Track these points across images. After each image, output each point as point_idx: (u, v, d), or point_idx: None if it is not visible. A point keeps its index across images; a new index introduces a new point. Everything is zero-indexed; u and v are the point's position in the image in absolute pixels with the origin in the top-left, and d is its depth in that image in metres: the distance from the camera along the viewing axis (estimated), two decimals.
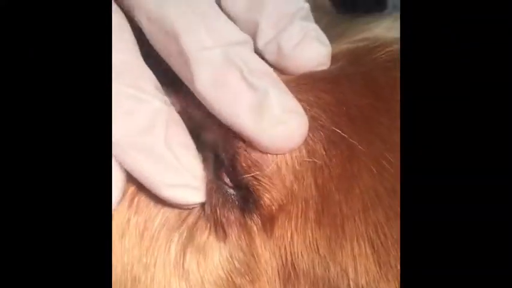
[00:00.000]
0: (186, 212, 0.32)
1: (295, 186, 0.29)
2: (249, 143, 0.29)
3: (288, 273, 0.29)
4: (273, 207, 0.29)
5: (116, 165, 0.30)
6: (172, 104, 0.32)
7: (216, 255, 0.31)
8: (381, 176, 0.28)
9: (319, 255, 0.28)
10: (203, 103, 0.30)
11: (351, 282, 0.28)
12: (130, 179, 0.31)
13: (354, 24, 0.35)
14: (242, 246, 0.30)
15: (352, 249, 0.28)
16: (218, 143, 0.31)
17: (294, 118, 0.29)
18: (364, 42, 0.32)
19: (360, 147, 0.28)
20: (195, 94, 0.30)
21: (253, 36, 0.31)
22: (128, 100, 0.30)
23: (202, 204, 0.31)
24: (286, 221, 0.29)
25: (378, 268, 0.28)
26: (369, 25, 0.35)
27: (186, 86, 0.30)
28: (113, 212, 0.31)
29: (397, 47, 0.31)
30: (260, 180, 0.29)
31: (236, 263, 0.30)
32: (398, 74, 0.28)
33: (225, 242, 0.30)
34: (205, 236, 0.31)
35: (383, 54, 0.31)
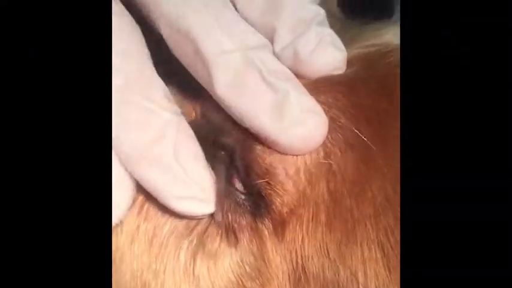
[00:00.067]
0: (195, 221, 0.32)
1: (308, 191, 0.29)
2: (268, 145, 0.29)
3: (299, 277, 0.29)
4: (285, 212, 0.29)
5: (127, 173, 0.30)
6: (193, 109, 0.32)
7: (226, 260, 0.31)
8: (393, 180, 0.28)
9: (329, 259, 0.28)
10: (222, 106, 0.30)
11: (361, 287, 0.28)
12: (140, 188, 0.31)
13: (363, 31, 0.35)
14: (253, 250, 0.30)
15: (362, 254, 0.28)
16: (236, 147, 0.31)
17: (313, 118, 0.29)
18: (376, 48, 0.33)
19: (376, 149, 0.28)
20: (214, 97, 0.30)
21: (270, 41, 0.31)
22: (139, 111, 0.30)
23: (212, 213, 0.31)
24: (298, 225, 0.29)
25: (387, 272, 0.28)
26: (378, 31, 0.35)
27: (205, 90, 0.30)
28: (123, 219, 0.31)
29: None
30: (273, 186, 0.29)
31: (247, 267, 0.30)
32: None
33: (236, 247, 0.31)
34: (216, 243, 0.31)
35: (395, 59, 0.31)
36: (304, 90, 0.29)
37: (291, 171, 0.29)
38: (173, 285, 0.31)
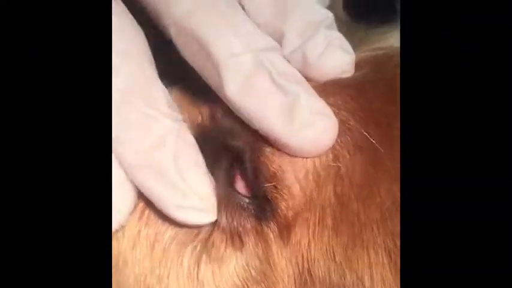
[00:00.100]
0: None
1: (315, 194, 0.29)
2: (277, 147, 0.29)
3: (304, 280, 0.29)
4: (290, 215, 0.29)
5: (128, 178, 0.30)
6: (199, 112, 0.32)
7: (231, 264, 0.30)
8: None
9: (335, 262, 0.28)
10: (232, 108, 0.30)
11: None
12: (141, 194, 0.31)
13: (368, 34, 0.36)
14: (259, 253, 0.30)
15: (369, 258, 0.28)
16: (245, 149, 0.31)
17: (323, 120, 0.29)
18: (383, 51, 0.33)
19: (384, 152, 0.28)
20: (224, 100, 0.30)
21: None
22: (140, 117, 0.30)
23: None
24: (304, 228, 0.29)
25: (394, 277, 0.28)
26: (384, 35, 0.35)
27: (213, 93, 0.30)
28: (124, 224, 0.31)
29: None
30: (280, 190, 0.29)
31: (252, 271, 0.30)
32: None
33: (241, 251, 0.30)
34: (222, 248, 0.31)
35: None
36: (314, 92, 0.29)
37: (300, 174, 0.29)
38: None
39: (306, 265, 0.29)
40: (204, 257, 0.31)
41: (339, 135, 0.29)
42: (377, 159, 0.29)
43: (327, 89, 0.30)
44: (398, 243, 0.27)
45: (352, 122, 0.29)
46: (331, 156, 0.29)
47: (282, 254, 0.30)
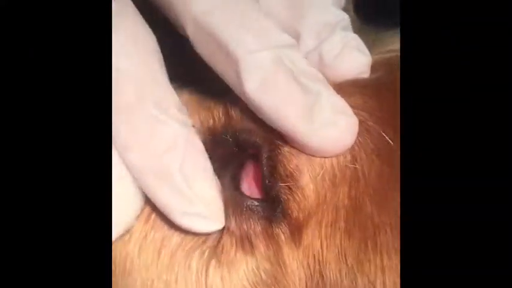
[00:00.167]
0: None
1: (328, 195, 0.29)
2: (296, 146, 0.29)
3: (316, 283, 0.29)
4: (302, 216, 0.29)
5: (135, 182, 0.30)
6: (211, 115, 0.32)
7: (241, 268, 0.30)
8: None
9: (347, 265, 0.28)
10: (250, 106, 0.30)
11: None
12: (148, 198, 0.31)
13: (379, 37, 0.36)
14: (269, 256, 0.30)
15: (382, 261, 0.28)
16: (262, 148, 0.30)
17: (344, 119, 0.29)
18: (396, 53, 0.33)
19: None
20: (243, 98, 0.30)
21: None
22: (149, 121, 0.30)
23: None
24: (316, 230, 0.29)
25: None
26: (396, 37, 0.35)
27: (229, 93, 0.30)
28: (131, 228, 0.31)
29: None
30: (293, 191, 0.29)
31: (263, 274, 0.30)
32: None
33: (252, 254, 0.30)
34: (232, 252, 0.30)
35: None
36: (334, 91, 0.29)
37: (317, 174, 0.29)
38: None
39: (317, 267, 0.29)
40: (213, 261, 0.30)
41: (358, 135, 0.29)
42: (393, 161, 0.28)
43: (344, 89, 0.30)
44: None
45: (370, 123, 0.29)
46: (349, 157, 0.29)
47: (293, 257, 0.29)
